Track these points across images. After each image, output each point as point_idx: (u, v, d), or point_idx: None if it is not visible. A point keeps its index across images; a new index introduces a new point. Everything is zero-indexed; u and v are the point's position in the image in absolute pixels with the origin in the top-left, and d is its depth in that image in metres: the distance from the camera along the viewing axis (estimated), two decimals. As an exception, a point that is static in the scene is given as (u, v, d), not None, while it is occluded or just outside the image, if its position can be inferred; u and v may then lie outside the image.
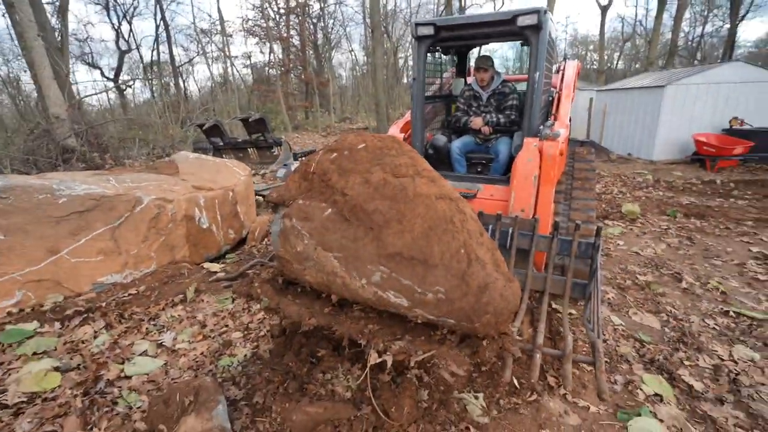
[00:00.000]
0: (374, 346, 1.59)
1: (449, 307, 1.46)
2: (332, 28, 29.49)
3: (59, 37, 16.32)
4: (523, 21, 2.68)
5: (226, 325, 2.84)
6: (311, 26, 27.94)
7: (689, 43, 31.58)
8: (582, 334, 2.62)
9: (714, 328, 2.80)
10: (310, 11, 26.98)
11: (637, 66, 32.43)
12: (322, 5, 27.28)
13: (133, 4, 24.85)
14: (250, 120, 8.75)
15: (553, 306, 2.84)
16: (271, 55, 25.90)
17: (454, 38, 3.14)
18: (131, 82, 25.22)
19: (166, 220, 3.70)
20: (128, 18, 24.78)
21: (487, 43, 3.93)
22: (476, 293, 1.43)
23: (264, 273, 2.34)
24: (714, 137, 8.35)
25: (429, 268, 1.47)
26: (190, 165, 4.80)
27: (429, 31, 3.01)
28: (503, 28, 2.80)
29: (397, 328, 1.70)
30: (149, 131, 13.71)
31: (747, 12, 24.69)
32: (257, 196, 6.12)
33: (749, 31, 47.40)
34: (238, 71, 26.85)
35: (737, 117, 8.83)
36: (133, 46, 25.60)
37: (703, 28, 31.62)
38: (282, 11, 24.90)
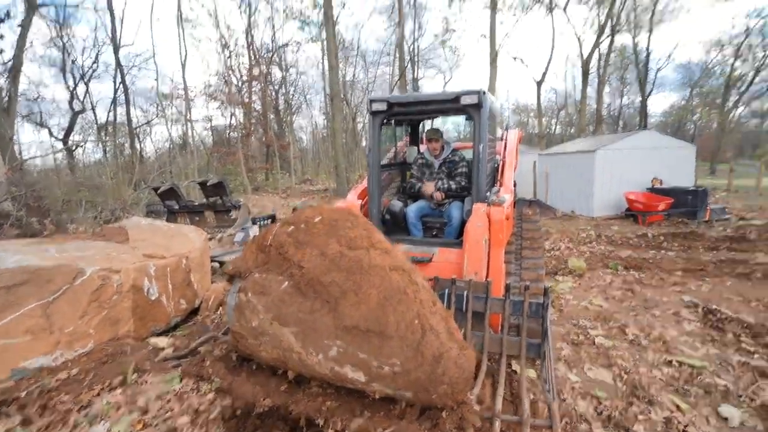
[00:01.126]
0: (332, 425, 1.53)
1: (405, 379, 1.47)
2: (293, 95, 30.94)
3: (6, 98, 15.85)
4: (465, 100, 3.02)
5: (172, 409, 2.59)
6: (273, 92, 29.18)
7: (611, 112, 36.18)
8: (543, 394, 2.65)
9: (661, 379, 2.94)
10: (272, 79, 28.35)
11: (572, 131, 36.33)
12: (284, 74, 28.84)
13: (92, 67, 24.83)
14: (208, 184, 8.67)
15: (513, 367, 2.88)
16: (233, 118, 26.44)
17: (406, 113, 3.45)
18: (82, 143, 24.42)
19: (110, 292, 3.46)
20: (85, 80, 24.68)
21: (437, 117, 4.33)
22: (431, 363, 1.45)
23: (217, 349, 2.23)
24: (641, 195, 9.33)
25: (385, 339, 1.49)
26: (142, 231, 4.62)
27: (382, 107, 3.29)
28: (449, 105, 3.14)
29: (355, 404, 1.66)
30: (98, 193, 13.12)
31: (652, 89, 29.02)
32: (213, 263, 5.91)
33: (657, 104, 55.68)
34: (197, 134, 26.95)
35: (657, 177, 10.00)
36: (88, 107, 25.25)
37: (621, 100, 36.59)
38: (245, 78, 25.94)
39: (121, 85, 23.70)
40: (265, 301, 1.68)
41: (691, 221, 8.62)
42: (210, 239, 8.31)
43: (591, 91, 24.24)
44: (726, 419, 2.51)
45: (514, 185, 5.01)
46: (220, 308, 4.46)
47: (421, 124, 4.89)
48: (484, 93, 3.03)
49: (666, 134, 11.20)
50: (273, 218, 6.20)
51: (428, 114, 3.62)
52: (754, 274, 4.99)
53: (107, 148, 26.44)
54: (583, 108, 21.61)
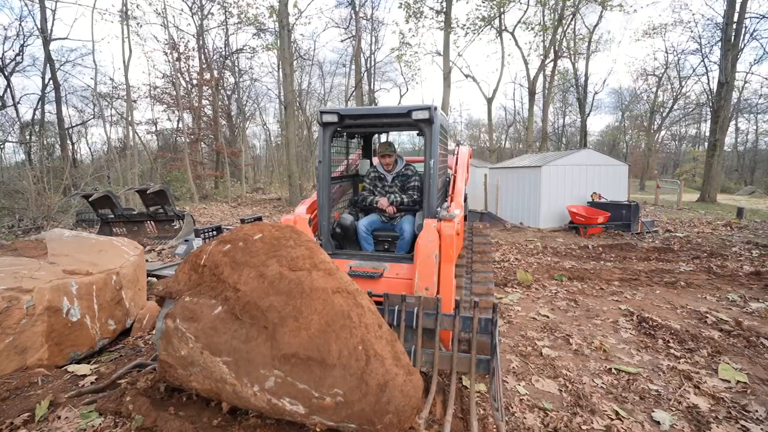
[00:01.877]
0: (268, 466, 1.39)
1: (349, 410, 1.37)
2: (247, 102, 30.02)
3: None
4: (416, 115, 3.02)
5: (86, 452, 2.28)
6: (225, 98, 28.14)
7: (556, 130, 38.80)
8: (493, 412, 2.64)
9: (602, 387, 3.05)
10: (225, 84, 27.35)
11: (520, 146, 38.47)
12: (237, 80, 27.93)
13: (15, 59, 22.51)
14: (148, 192, 8.07)
15: (464, 383, 2.86)
16: (180, 123, 25.08)
17: (357, 126, 3.39)
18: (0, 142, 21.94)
19: (18, 315, 3.02)
20: (6, 73, 22.30)
21: (389, 131, 4.32)
22: (376, 393, 1.37)
23: (141, 381, 1.99)
24: (582, 208, 9.96)
25: (327, 368, 1.38)
26: (64, 245, 4.13)
27: (333, 118, 3.21)
28: (400, 120, 3.12)
29: (295, 439, 1.53)
30: (18, 199, 11.75)
31: (590, 110, 31.54)
32: (150, 277, 5.44)
33: (595, 124, 60.85)
34: (140, 137, 25.30)
35: (596, 192, 10.75)
36: (9, 103, 22.80)
37: (564, 120, 39.37)
38: (195, 82, 24.80)
39: (51, 81, 21.75)
40: (196, 329, 1.51)
41: (626, 233, 9.31)
42: (149, 251, 7.70)
43: (537, 110, 25.89)
44: (658, 423, 2.65)
45: (465, 199, 5.12)
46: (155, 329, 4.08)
47: (374, 137, 4.86)
48: (435, 108, 3.05)
49: (603, 152, 12.15)
50: (218, 230, 5.83)
51: (380, 128, 3.60)
52: (678, 282, 5.44)
53: (31, 149, 24.04)
54: (530, 125, 22.93)
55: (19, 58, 22.56)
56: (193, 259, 1.78)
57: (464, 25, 19.70)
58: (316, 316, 1.45)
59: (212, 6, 23.72)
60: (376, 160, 4.43)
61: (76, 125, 28.34)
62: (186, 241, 6.40)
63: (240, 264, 1.64)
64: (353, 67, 25.61)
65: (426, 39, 54.19)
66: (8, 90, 22.61)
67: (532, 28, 22.25)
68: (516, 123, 40.06)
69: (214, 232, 5.88)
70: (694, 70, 26.79)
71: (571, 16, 21.69)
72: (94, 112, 25.44)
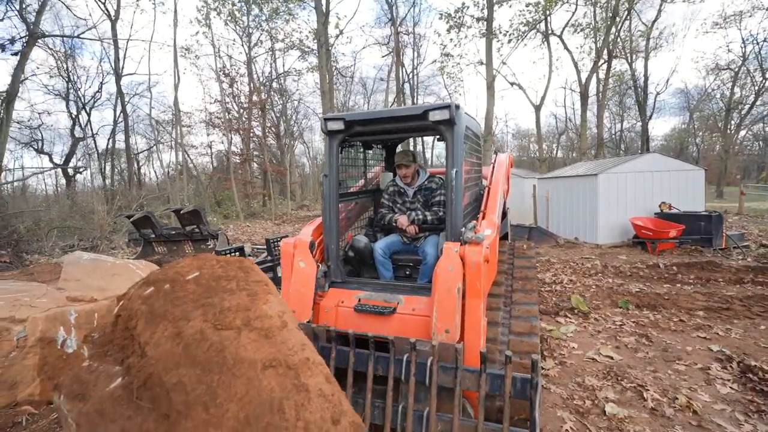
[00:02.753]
0: None
1: None
2: (294, 121, 31.04)
3: (-1, 125, 15.80)
4: (434, 116, 2.48)
5: None
6: (274, 119, 29.29)
7: (612, 136, 35.99)
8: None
9: (695, 468, 2.24)
10: (273, 105, 28.51)
11: (573, 155, 36.09)
12: (285, 101, 29.03)
13: (94, 96, 25.11)
14: (182, 212, 8.16)
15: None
16: (230, 144, 26.36)
17: (368, 133, 2.91)
18: (81, 168, 24.30)
19: (7, 348, 2.83)
20: (87, 109, 24.95)
21: (410, 137, 3.81)
22: None
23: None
24: (649, 221, 8.68)
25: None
26: (79, 268, 4.04)
27: (338, 126, 2.76)
28: (416, 123, 2.59)
29: None
30: (87, 220, 12.62)
31: (652, 113, 28.91)
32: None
33: (657, 128, 55.92)
34: (191, 159, 26.92)
35: (665, 201, 9.38)
36: (89, 135, 25.38)
37: (622, 125, 36.49)
38: (245, 105, 26.02)
39: (122, 113, 23.85)
40: (80, 411, 1.07)
41: (706, 249, 7.92)
42: (183, 272, 7.71)
43: (591, 115, 24.05)
44: None
45: (505, 213, 4.43)
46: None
47: (397, 148, 4.36)
48: (457, 107, 2.50)
49: (669, 157, 10.69)
50: (241, 251, 5.61)
51: (395, 134, 3.09)
52: (789, 315, 4.28)
53: (106, 175, 26.43)
54: (583, 131, 21.29)
55: (98, 95, 25.11)
56: (114, 306, 1.37)
57: (507, 32, 18.88)
58: (233, 405, 0.95)
59: (261, 35, 24.93)
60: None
61: (142, 151, 31.02)
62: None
63: (157, 316, 1.19)
64: (392, 77, 25.60)
65: (468, 48, 53.39)
66: (89, 123, 25.26)
67: (582, 30, 20.88)
68: (568, 130, 37.75)
69: (236, 254, 5.65)
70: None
71: (626, 13, 20.04)
72: (154, 138, 27.45)
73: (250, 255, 7.32)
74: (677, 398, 2.85)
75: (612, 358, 3.55)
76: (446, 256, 2.30)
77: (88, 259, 4.31)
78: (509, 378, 1.81)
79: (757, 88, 26.23)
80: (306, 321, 2.57)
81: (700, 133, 37.37)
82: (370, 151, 3.98)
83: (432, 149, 34.37)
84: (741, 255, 7.45)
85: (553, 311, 4.79)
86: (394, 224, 3.29)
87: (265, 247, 6.76)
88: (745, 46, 25.96)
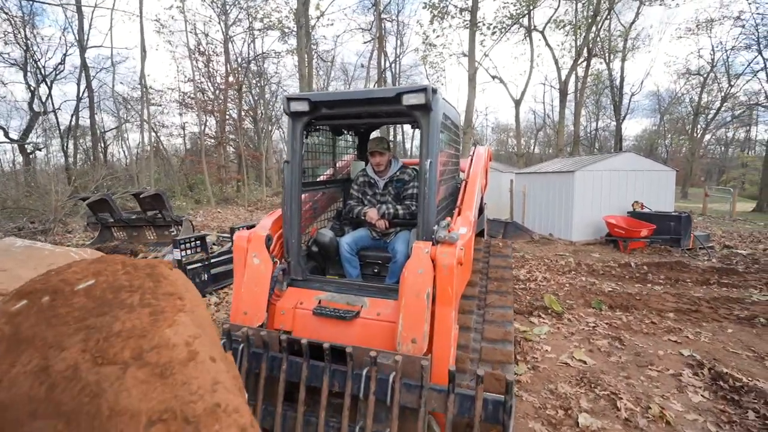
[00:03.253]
0: None
1: None
2: (272, 105, 30.01)
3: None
4: (408, 99, 2.21)
5: None
6: (252, 101, 28.21)
7: (588, 134, 36.81)
8: None
9: (668, 485, 2.12)
10: (251, 88, 27.43)
11: (550, 151, 36.71)
12: (262, 84, 27.98)
13: (56, 68, 23.37)
14: (142, 195, 7.62)
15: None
16: (205, 126, 25.24)
17: (336, 116, 2.62)
18: (39, 145, 22.69)
19: None
20: (48, 81, 23.23)
21: (383, 124, 3.54)
22: None
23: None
24: (622, 219, 8.78)
25: None
26: (9, 257, 3.56)
27: (303, 107, 2.45)
28: (388, 107, 2.32)
29: None
30: (45, 202, 11.69)
31: (626, 114, 29.65)
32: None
33: (630, 128, 57.59)
34: (159, 140, 25.72)
35: (638, 201, 9.51)
36: (50, 109, 23.70)
37: (597, 123, 37.32)
38: (222, 86, 24.89)
39: (87, 89, 22.35)
40: None
41: (675, 249, 8.08)
42: (143, 259, 7.21)
43: (568, 113, 24.35)
44: None
45: (482, 209, 4.24)
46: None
47: (374, 134, 4.08)
48: (434, 91, 2.24)
49: (644, 157, 10.88)
50: (202, 240, 5.22)
51: (365, 118, 2.81)
52: (756, 318, 4.31)
53: (67, 153, 24.84)
54: (561, 129, 21.51)
55: (61, 67, 23.37)
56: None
57: (491, 24, 18.67)
58: (99, 484, 0.67)
59: (239, 13, 23.79)
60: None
61: (109, 130, 29.29)
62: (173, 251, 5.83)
63: (23, 341, 0.89)
64: (372, 65, 25.09)
65: (451, 39, 53.07)
66: (50, 97, 23.54)
67: (564, 26, 20.95)
68: (546, 127, 38.32)
69: (197, 244, 5.26)
70: (749, 64, 24.41)
71: (606, 12, 20.22)
72: (118, 116, 25.97)
73: (214, 244, 6.90)
74: (650, 407, 2.76)
75: (585, 362, 3.45)
76: (416, 257, 2.06)
77: (20, 247, 3.84)
78: (480, 400, 1.60)
79: (723, 93, 27.25)
80: (258, 325, 2.29)
81: (669, 135, 38.71)
82: (343, 139, 3.68)
83: (412, 140, 34.08)
84: (707, 256, 7.63)
85: (527, 311, 4.68)
86: (362, 217, 3.03)
87: (230, 235, 6.38)
88: (714, 53, 26.87)
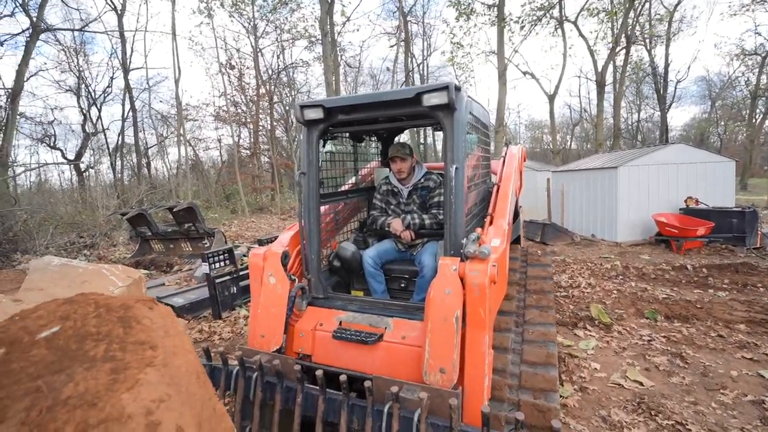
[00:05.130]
0: None
1: None
2: (302, 114, 30.49)
3: (4, 120, 15.81)
4: (429, 100, 2.00)
5: None
6: (283, 110, 28.91)
7: (629, 126, 34.75)
8: None
9: None
10: (282, 98, 28.12)
11: (588, 146, 34.98)
12: (294, 94, 28.63)
13: (104, 92, 25.08)
14: (175, 209, 7.83)
15: None
16: (239, 138, 26.10)
17: (354, 122, 2.46)
18: (87, 165, 24.37)
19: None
20: (98, 104, 24.96)
21: (406, 127, 3.33)
22: None
23: None
24: (674, 217, 8.04)
25: None
26: (45, 275, 3.69)
27: (318, 114, 2.30)
28: (408, 108, 2.12)
29: None
30: (95, 217, 12.42)
31: (671, 102, 27.71)
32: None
33: (675, 118, 53.78)
34: (194, 153, 26.87)
35: (692, 196, 8.69)
36: (100, 130, 25.43)
37: (639, 115, 35.16)
38: (254, 98, 25.68)
39: (131, 109, 23.78)
40: None
41: (739, 248, 7.26)
42: (176, 272, 7.39)
43: (606, 105, 23.04)
44: None
45: (517, 213, 3.93)
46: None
47: (397, 139, 3.88)
48: (457, 89, 2.01)
49: (696, 148, 9.97)
50: (230, 253, 5.22)
51: (386, 122, 2.62)
52: None
53: (115, 170, 26.49)
54: (599, 122, 20.35)
55: (108, 90, 25.09)
56: None
57: (519, 18, 18.01)
58: None
59: (266, 25, 24.46)
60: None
61: (151, 146, 31.00)
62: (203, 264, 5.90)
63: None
64: (398, 69, 24.96)
65: (478, 37, 51.91)
66: (99, 119, 25.33)
67: (598, 14, 19.84)
68: (583, 121, 36.53)
69: (224, 257, 5.27)
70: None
71: (646, -4, 18.97)
72: (158, 133, 27.40)
73: (244, 255, 6.95)
74: (727, 442, 2.36)
75: (642, 384, 3.05)
76: (442, 276, 1.83)
77: (57, 265, 3.97)
78: (522, 449, 1.35)
79: (786, 74, 24.79)
80: (275, 349, 2.15)
81: (723, 123, 35.77)
82: (366, 145, 3.52)
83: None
84: (778, 255, 6.80)
85: (571, 322, 4.29)
86: (386, 228, 2.84)
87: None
88: (773, 30, 24.48)
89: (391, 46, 26.60)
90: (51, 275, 3.73)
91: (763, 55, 25.71)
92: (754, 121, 28.32)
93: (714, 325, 4.07)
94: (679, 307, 4.62)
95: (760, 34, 25.78)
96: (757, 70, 26.77)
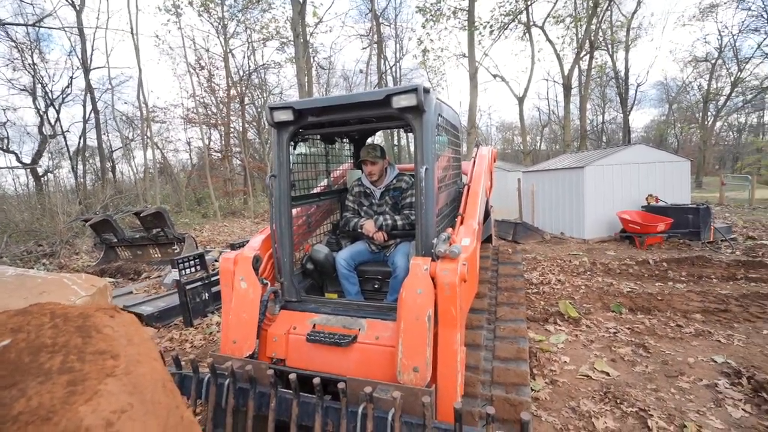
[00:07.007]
0: None
1: None
2: (274, 116, 30.01)
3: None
4: (398, 102, 2.03)
5: None
6: (255, 112, 28.36)
7: (595, 128, 36.24)
8: None
9: None
10: (253, 99, 27.58)
11: (557, 147, 36.21)
12: (266, 95, 28.13)
13: (63, 92, 23.84)
14: (142, 214, 7.54)
15: None
16: (209, 140, 25.42)
17: (325, 124, 2.45)
18: (50, 169, 23.12)
19: None
20: (56, 105, 23.70)
21: (376, 129, 3.36)
22: None
23: None
24: (636, 214, 8.44)
25: None
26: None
27: (287, 116, 2.28)
28: (378, 110, 2.14)
29: None
30: (55, 224, 11.76)
31: (633, 105, 29.13)
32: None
33: (637, 120, 56.60)
34: (162, 156, 26.01)
35: (652, 194, 9.16)
36: (59, 132, 24.14)
37: (603, 116, 36.74)
38: (225, 99, 25.08)
39: (92, 110, 22.71)
40: None
41: (694, 243, 7.72)
42: (145, 279, 7.12)
43: (573, 108, 23.98)
44: None
45: (488, 213, 4.02)
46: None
47: (369, 140, 3.90)
48: (426, 91, 2.04)
49: (656, 148, 10.52)
50: (201, 258, 5.08)
51: (356, 124, 2.63)
52: (792, 317, 4.01)
53: (77, 175, 25.21)
54: (567, 124, 21.14)
55: (68, 90, 23.85)
56: None
57: (488, 23, 18.45)
58: None
59: (237, 26, 23.95)
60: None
61: (116, 149, 29.70)
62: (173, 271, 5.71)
63: None
64: (371, 70, 25.03)
65: (449, 41, 52.75)
66: (58, 121, 24.03)
67: (563, 21, 20.61)
68: (551, 123, 37.81)
69: (194, 263, 5.12)
70: (759, 47, 23.74)
71: (607, 4, 19.86)
72: (122, 135, 26.36)
73: (216, 260, 6.77)
74: (685, 426, 2.50)
75: (608, 374, 3.19)
76: (414, 275, 1.86)
77: (11, 275, 3.74)
78: (492, 443, 1.39)
79: (732, 79, 26.57)
80: (248, 354, 2.11)
81: (679, 125, 37.89)
82: (337, 147, 3.51)
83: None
84: (730, 248, 7.26)
85: (542, 317, 4.42)
86: (359, 230, 2.84)
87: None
88: (721, 38, 26.24)
89: (364, 48, 26.63)
90: (4, 286, 3.51)
91: (712, 61, 27.46)
92: (706, 123, 30.19)
93: (673, 316, 4.30)
94: (642, 299, 4.86)
95: (708, 43, 27.52)
96: (707, 75, 28.59)
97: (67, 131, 25.59)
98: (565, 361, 3.44)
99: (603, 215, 9.12)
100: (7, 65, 21.16)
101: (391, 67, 27.60)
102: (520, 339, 2.47)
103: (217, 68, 24.85)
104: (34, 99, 23.17)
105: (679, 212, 8.09)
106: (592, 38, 20.97)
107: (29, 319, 0.91)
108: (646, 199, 9.12)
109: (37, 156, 22.81)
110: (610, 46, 25.64)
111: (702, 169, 29.33)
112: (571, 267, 6.78)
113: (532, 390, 2.93)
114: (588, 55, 21.23)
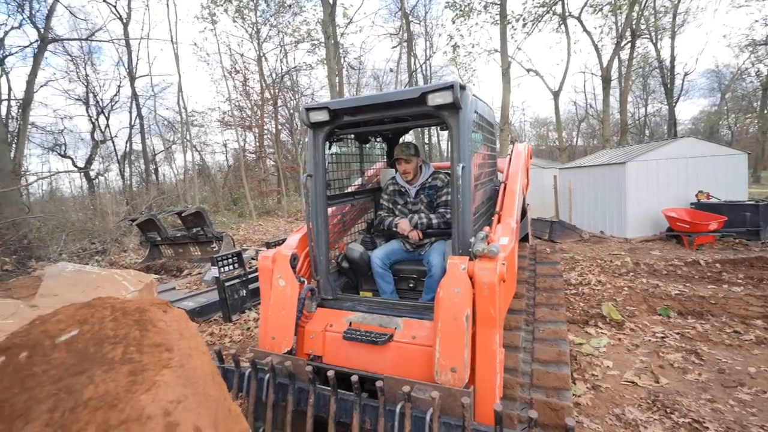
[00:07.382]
0: None
1: None
2: (306, 117, 30.64)
3: (16, 130, 16.17)
4: (434, 99, 2.01)
5: None
6: (287, 113, 29.07)
7: (636, 121, 34.37)
8: None
9: None
10: (286, 101, 28.28)
11: (594, 142, 34.64)
12: (298, 97, 28.78)
13: (112, 100, 25.48)
14: (183, 214, 7.90)
15: None
16: (245, 142, 26.31)
17: (359, 123, 2.47)
18: (101, 172, 24.80)
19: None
20: (105, 112, 25.37)
21: (412, 128, 3.34)
22: None
23: None
24: (685, 212, 7.94)
25: None
26: (59, 282, 3.76)
27: (323, 116, 2.31)
28: (413, 108, 2.13)
29: None
30: (100, 223, 12.63)
31: (679, 96, 27.37)
32: (166, 310, 4.98)
33: (684, 112, 53.02)
34: (201, 158, 27.13)
35: (703, 190, 8.58)
36: (109, 137, 25.83)
37: (646, 109, 34.77)
38: (258, 102, 25.88)
39: (137, 116, 24.11)
40: None
41: (753, 243, 7.15)
42: (185, 276, 7.47)
43: (612, 100, 22.83)
44: None
45: (524, 212, 3.91)
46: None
47: (402, 139, 3.89)
48: (462, 88, 2.01)
49: (706, 141, 9.83)
50: (238, 257, 5.26)
51: (391, 123, 2.63)
52: None
53: (124, 177, 26.83)
54: (606, 117, 20.18)
55: (116, 98, 25.50)
56: None
57: (521, 16, 17.90)
58: None
59: (269, 30, 24.63)
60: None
61: (159, 152, 31.40)
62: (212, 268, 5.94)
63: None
64: (401, 69, 24.97)
65: (480, 36, 51.59)
66: (108, 127, 25.75)
67: (601, 9, 19.66)
68: (588, 117, 36.19)
69: (233, 260, 5.31)
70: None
71: (651, -12, 18.75)
72: (164, 139, 27.73)
73: (253, 258, 6.99)
74: (745, 439, 2.32)
75: (656, 381, 3.01)
76: (451, 275, 1.83)
77: (70, 271, 4.04)
78: (536, 448, 1.35)
79: (797, 63, 24.35)
80: (286, 350, 2.16)
81: (733, 115, 35.21)
82: (373, 147, 3.53)
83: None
84: (793, 249, 6.67)
85: (582, 320, 4.25)
86: (394, 229, 2.84)
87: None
88: (783, 19, 24.07)
89: (394, 47, 26.59)
90: (65, 281, 3.79)
91: (773, 45, 25.26)
92: (766, 112, 27.84)
93: (729, 321, 4.01)
94: (692, 303, 4.56)
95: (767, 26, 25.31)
96: (767, 60, 26.36)
97: (116, 136, 27.29)
98: (608, 366, 3.28)
99: (647, 213, 8.64)
100: (63, 77, 22.80)
101: (421, 65, 27.43)
102: (560, 341, 2.39)
103: (252, 72, 25.69)
104: (87, 107, 24.83)
105: (734, 210, 7.53)
106: (634, 26, 19.88)
107: (93, 311, 0.98)
108: (697, 195, 8.55)
109: (90, 160, 24.48)
110: (653, 33, 24.20)
111: (761, 162, 27.11)
112: (612, 267, 6.47)
113: (574, 395, 2.82)
114: (629, 45, 20.16)
